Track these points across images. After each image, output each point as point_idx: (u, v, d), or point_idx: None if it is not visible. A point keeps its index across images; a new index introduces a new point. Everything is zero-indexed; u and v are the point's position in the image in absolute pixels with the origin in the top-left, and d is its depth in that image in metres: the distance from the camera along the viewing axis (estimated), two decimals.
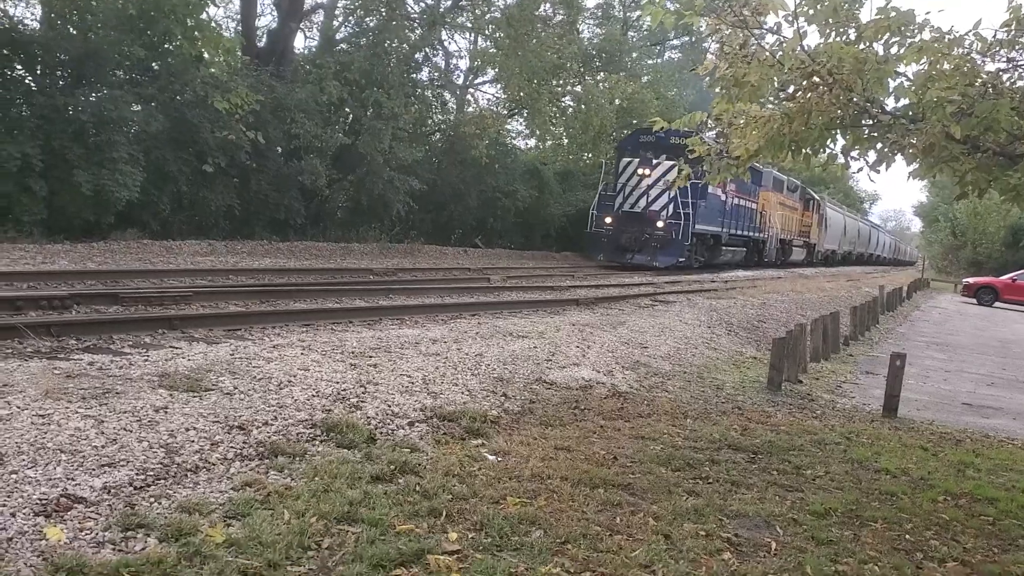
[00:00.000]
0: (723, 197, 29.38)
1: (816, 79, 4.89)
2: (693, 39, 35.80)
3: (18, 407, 4.86)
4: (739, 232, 31.30)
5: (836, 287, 27.00)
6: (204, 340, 7.90)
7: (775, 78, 5.21)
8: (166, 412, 5.18)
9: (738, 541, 4.54)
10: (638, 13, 38.51)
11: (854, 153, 5.35)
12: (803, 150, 5.39)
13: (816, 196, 42.97)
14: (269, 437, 5.18)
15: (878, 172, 5.27)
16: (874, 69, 4.87)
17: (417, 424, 6.02)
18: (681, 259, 26.38)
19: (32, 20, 22.30)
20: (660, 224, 26.10)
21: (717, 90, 5.64)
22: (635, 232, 26.26)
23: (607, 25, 38.11)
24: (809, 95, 4.91)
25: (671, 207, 26.11)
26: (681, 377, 9.50)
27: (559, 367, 8.59)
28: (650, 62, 39.52)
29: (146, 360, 6.50)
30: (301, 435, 5.36)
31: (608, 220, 26.79)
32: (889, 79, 5.08)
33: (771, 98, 5.82)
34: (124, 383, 5.67)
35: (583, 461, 5.56)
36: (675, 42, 39.44)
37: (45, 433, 4.56)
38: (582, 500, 4.82)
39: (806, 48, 5.12)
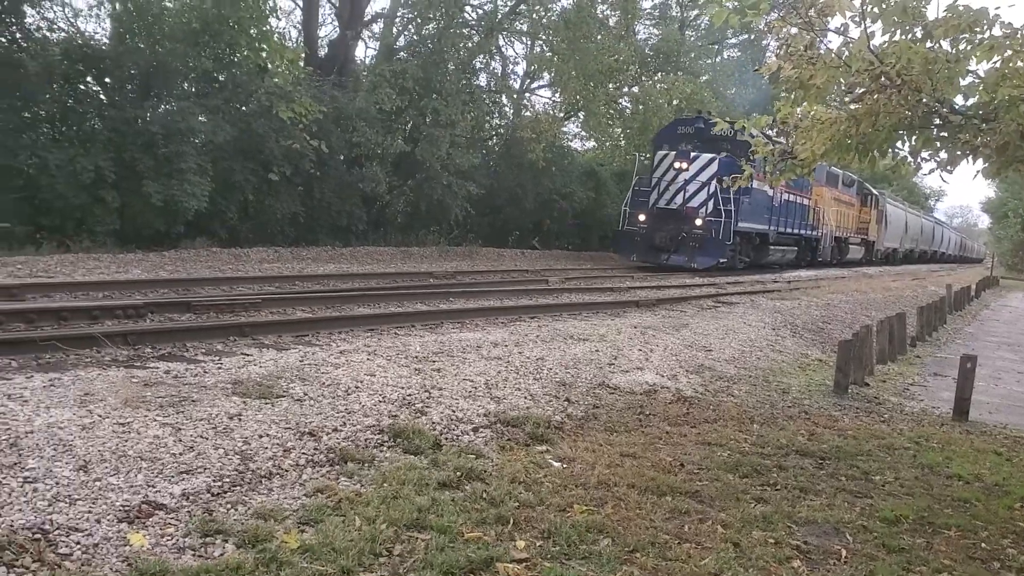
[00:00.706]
0: (770, 193, 27.39)
1: (884, 80, 4.81)
2: (752, 37, 35.30)
3: (99, 415, 5.04)
4: (789, 230, 29.26)
5: (901, 286, 26.41)
6: (274, 346, 8.07)
7: (841, 80, 5.15)
8: (240, 419, 5.32)
9: (807, 548, 4.50)
10: (695, 12, 38.15)
11: (924, 154, 5.25)
12: (870, 152, 5.30)
13: (874, 191, 40.84)
14: (339, 443, 5.29)
15: (949, 172, 5.16)
16: (944, 69, 4.78)
17: (481, 430, 6.07)
18: (722, 259, 24.33)
19: (102, 35, 23.01)
20: (698, 222, 24.12)
21: (782, 92, 5.58)
22: (671, 230, 24.38)
23: (664, 25, 37.83)
24: (877, 97, 4.83)
25: (711, 204, 24.14)
26: (746, 381, 9.40)
27: (622, 371, 8.57)
28: (708, 61, 39.06)
29: (219, 367, 6.67)
30: (369, 441, 5.46)
31: (642, 218, 24.94)
32: (959, 78, 4.98)
33: (836, 100, 5.74)
34: (199, 391, 5.83)
35: (650, 468, 5.56)
36: (733, 40, 38.96)
37: (126, 441, 4.72)
38: (650, 508, 4.82)
39: (873, 49, 5.04)
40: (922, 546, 4.72)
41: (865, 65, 4.93)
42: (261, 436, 5.14)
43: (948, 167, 5.34)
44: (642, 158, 27.49)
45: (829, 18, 5.29)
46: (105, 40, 20.85)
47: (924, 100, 4.97)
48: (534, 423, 6.29)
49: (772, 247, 28.10)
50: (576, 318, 12.26)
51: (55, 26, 19.96)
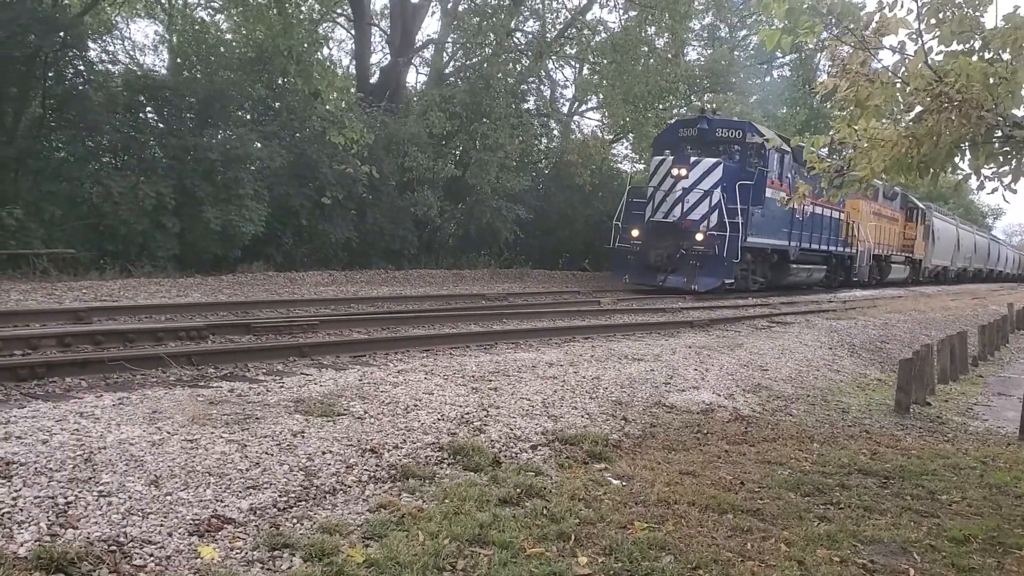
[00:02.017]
0: (792, 204, 25.88)
1: (944, 99, 4.76)
2: (803, 56, 35.00)
3: (168, 432, 5.17)
4: (816, 246, 25.90)
5: (960, 305, 25.81)
6: (332, 367, 8.20)
7: (899, 98, 5.11)
8: (303, 436, 5.42)
9: (874, 568, 4.43)
10: (744, 33, 38.05)
11: (987, 172, 5.17)
12: (931, 170, 5.25)
13: (921, 205, 37.49)
14: (400, 460, 5.36)
15: (1013, 191, 5.08)
16: (1004, 83, 4.72)
17: (540, 447, 6.10)
18: (728, 280, 21.13)
19: (161, 67, 23.74)
20: (699, 237, 20.64)
21: (837, 111, 5.56)
22: (668, 247, 21.00)
23: (713, 46, 37.76)
24: (938, 116, 4.78)
25: (714, 216, 20.82)
26: (804, 400, 9.29)
27: (678, 390, 8.54)
28: (758, 81, 38.86)
29: (281, 387, 6.80)
30: (429, 458, 5.52)
31: (635, 233, 21.63)
32: (1020, 90, 4.91)
33: (894, 117, 5.69)
34: (263, 409, 5.95)
35: (709, 486, 5.53)
36: (784, 60, 38.75)
37: (194, 457, 4.83)
38: (711, 526, 4.80)
39: (931, 64, 5.00)
40: (993, 566, 4.62)
41: (924, 84, 4.89)
42: (324, 453, 5.23)
43: (1012, 184, 5.25)
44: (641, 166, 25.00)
45: (884, 37, 5.26)
46: (164, 71, 21.54)
47: (986, 116, 4.91)
48: (592, 441, 6.30)
49: (793, 266, 24.77)
50: (630, 338, 12.23)
51: (116, 59, 20.69)
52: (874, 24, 5.33)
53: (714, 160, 21.19)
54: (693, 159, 21.21)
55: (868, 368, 12.54)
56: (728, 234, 20.38)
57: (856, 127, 5.75)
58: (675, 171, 21.20)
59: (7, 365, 7.00)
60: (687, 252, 20.70)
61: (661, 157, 21.89)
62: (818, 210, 25.56)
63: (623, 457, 6.15)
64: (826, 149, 6.92)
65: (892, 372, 10.81)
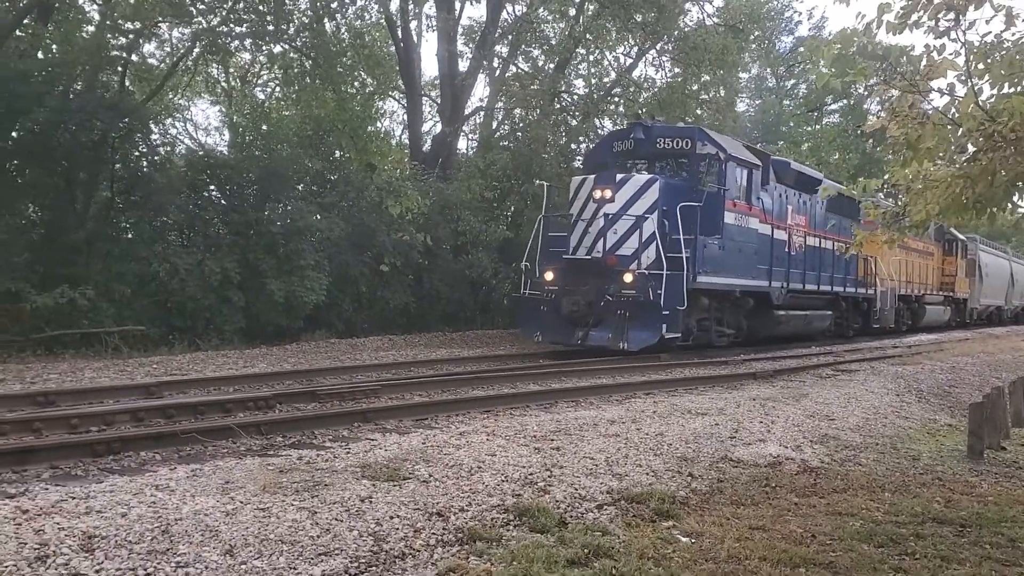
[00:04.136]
0: (770, 232, 18.88)
1: (997, 138, 4.76)
2: (852, 102, 34.86)
3: (241, 502, 5.29)
4: (816, 287, 21.09)
5: None
6: (396, 430, 8.30)
7: (951, 139, 5.12)
8: (371, 501, 5.49)
9: None
10: (792, 81, 38.12)
11: None
12: (988, 209, 5.22)
13: (961, 236, 32.46)
14: (466, 523, 5.39)
15: None
16: None
17: (605, 507, 6.07)
18: (672, 335, 15.88)
19: (222, 145, 24.64)
20: (628, 278, 15.60)
21: (889, 154, 5.58)
22: (587, 293, 16.00)
23: (762, 96, 37.87)
24: (992, 155, 4.78)
25: (652, 249, 15.93)
26: (873, 449, 9.10)
27: (744, 444, 8.44)
28: (808, 128, 38.78)
29: (347, 452, 6.91)
30: (495, 520, 5.54)
31: (549, 276, 16.67)
32: None
33: (946, 158, 5.69)
34: (330, 475, 6.05)
35: (780, 540, 5.44)
36: (834, 107, 38.65)
37: (267, 526, 4.94)
38: None
39: (982, 105, 5.01)
40: None
41: (976, 124, 4.90)
42: (392, 517, 5.29)
43: None
44: (548, 187, 18.95)
45: (933, 80, 5.29)
46: (225, 149, 22.35)
47: None
48: (658, 498, 6.26)
49: (780, 312, 19.57)
50: (692, 392, 12.13)
51: (179, 140, 21.55)
52: (923, 67, 5.37)
53: (647, 177, 16.56)
54: (620, 176, 16.47)
55: (938, 414, 12.22)
56: (665, 272, 15.43)
57: (909, 170, 5.76)
58: (597, 193, 16.31)
59: (85, 441, 7.23)
60: (614, 298, 15.68)
61: (582, 177, 17.39)
62: (819, 242, 21.40)
63: (691, 514, 6.09)
64: (880, 193, 6.91)
65: (963, 417, 10.53)
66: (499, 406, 10.23)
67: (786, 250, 19.81)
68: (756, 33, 30.87)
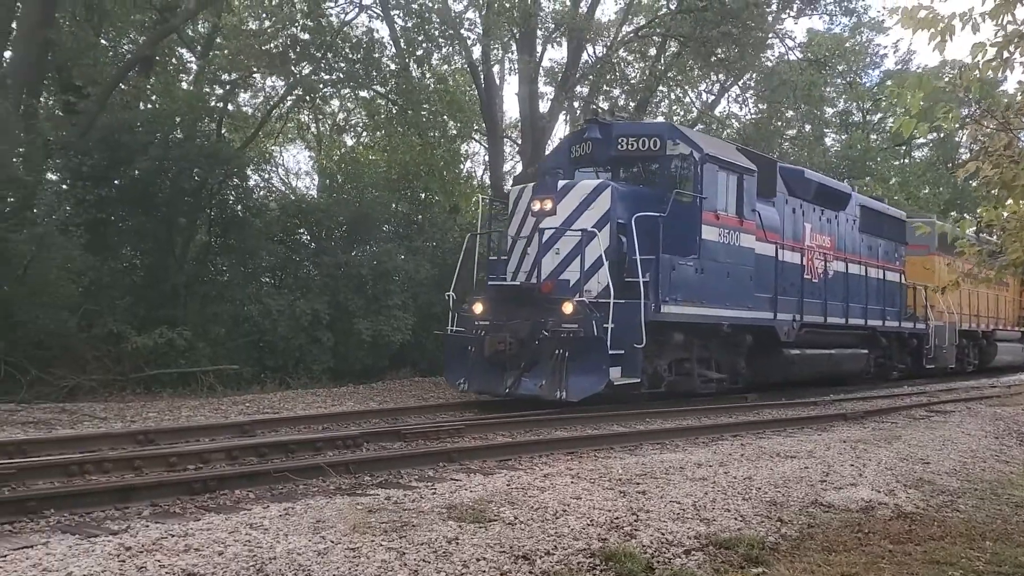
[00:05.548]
0: (774, 252, 15.90)
1: None
2: (942, 135, 33.93)
3: (332, 541, 5.41)
4: (842, 319, 18.02)
5: None
6: (480, 471, 8.37)
7: None
8: (457, 543, 5.55)
9: None
10: (879, 115, 37.31)
11: None
12: None
13: None
14: (552, 566, 5.39)
15: None
16: None
17: (693, 552, 6.00)
18: (628, 379, 12.79)
19: (311, 188, 25.46)
20: (568, 308, 12.52)
21: (983, 193, 5.46)
22: (518, 328, 12.85)
23: (847, 131, 37.19)
24: None
25: (603, 272, 12.86)
26: (972, 494, 8.74)
27: (835, 488, 8.23)
28: (896, 163, 37.82)
29: (433, 493, 7.00)
30: (581, 564, 5.53)
31: (479, 308, 13.68)
32: None
33: None
34: (417, 515, 6.14)
35: None
36: (922, 140, 37.68)
37: (357, 566, 5.03)
38: None
39: None
40: None
41: None
42: (478, 559, 5.33)
43: None
44: (484, 200, 16.92)
45: None
46: (314, 193, 23.07)
47: None
48: (747, 544, 6.15)
49: (793, 351, 16.47)
50: (780, 435, 11.89)
51: (272, 185, 22.36)
52: (1016, 104, 5.27)
53: (596, 183, 13.80)
54: (562, 184, 13.55)
55: None
56: (613, 301, 12.33)
57: (1004, 209, 5.63)
58: (536, 205, 13.46)
59: (183, 480, 7.51)
60: (552, 335, 12.57)
61: (520, 187, 14.79)
62: (848, 267, 18.38)
63: (780, 560, 5.97)
64: (974, 232, 6.75)
65: None
66: (583, 447, 10.21)
67: (801, 276, 16.80)
68: (841, 67, 30.42)
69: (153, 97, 19.54)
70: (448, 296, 14.46)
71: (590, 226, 13.03)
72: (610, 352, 12.27)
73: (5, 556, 4.92)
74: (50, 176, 17.88)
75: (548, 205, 13.32)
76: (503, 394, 13.20)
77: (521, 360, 12.82)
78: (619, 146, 14.52)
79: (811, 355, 17.05)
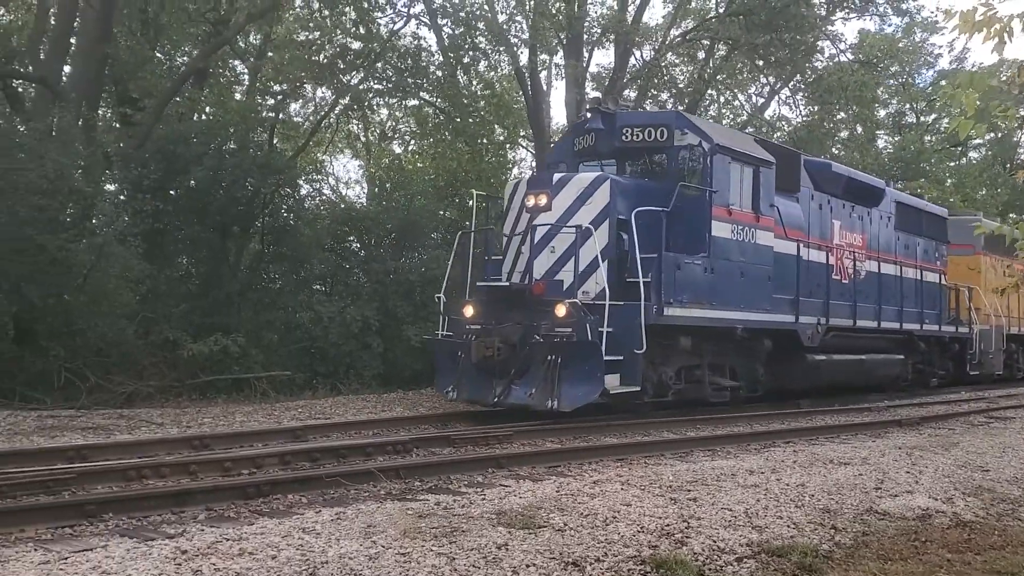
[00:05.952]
0: (795, 250, 14.91)
1: None
2: (999, 135, 33.09)
3: (383, 546, 5.46)
4: (874, 323, 17.01)
5: None
6: (529, 477, 8.37)
7: None
8: (507, 549, 5.56)
9: None
10: (933, 116, 36.56)
11: None
12: None
13: None
14: (602, 574, 5.38)
15: None
16: None
17: (745, 560, 5.94)
18: (627, 388, 11.99)
19: (361, 196, 25.77)
20: (560, 311, 11.77)
21: None
22: (508, 332, 12.16)
23: (901, 132, 36.51)
24: None
25: (602, 272, 11.87)
26: None
27: (890, 495, 8.08)
28: (952, 164, 36.98)
29: (483, 499, 7.03)
30: (632, 571, 5.50)
31: (469, 311, 13.03)
32: None
33: None
34: (467, 521, 6.17)
35: None
36: (978, 140, 36.81)
37: (408, 570, 5.07)
38: None
39: None
40: None
41: None
42: (528, 566, 5.34)
43: None
44: (476, 200, 15.45)
45: None
46: (364, 201, 23.34)
47: None
48: (801, 552, 6.07)
49: (818, 356, 15.49)
50: (834, 441, 11.71)
51: (323, 193, 22.68)
52: None
53: (594, 175, 12.79)
54: (558, 177, 12.78)
55: None
56: (608, 303, 11.52)
57: None
58: (530, 200, 12.65)
59: (237, 484, 7.63)
60: (544, 340, 11.81)
61: (514, 181, 14.34)
62: (881, 267, 17.37)
63: (834, 568, 5.88)
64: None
65: None
66: (633, 454, 10.15)
67: (828, 276, 15.74)
68: (894, 68, 29.90)
69: (207, 108, 19.95)
70: (438, 298, 14.02)
71: (587, 222, 12.18)
72: (606, 358, 11.41)
73: (66, 559, 5.05)
74: (109, 187, 18.35)
75: (543, 200, 12.49)
76: (492, 403, 12.44)
77: (511, 367, 12.01)
78: (623, 137, 13.56)
79: (838, 361, 16.14)
